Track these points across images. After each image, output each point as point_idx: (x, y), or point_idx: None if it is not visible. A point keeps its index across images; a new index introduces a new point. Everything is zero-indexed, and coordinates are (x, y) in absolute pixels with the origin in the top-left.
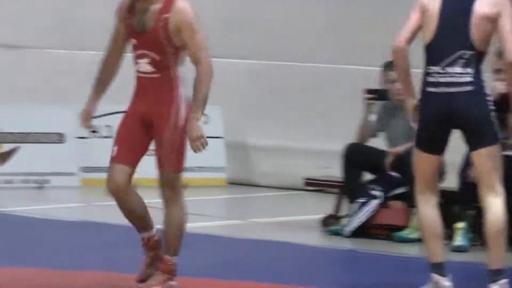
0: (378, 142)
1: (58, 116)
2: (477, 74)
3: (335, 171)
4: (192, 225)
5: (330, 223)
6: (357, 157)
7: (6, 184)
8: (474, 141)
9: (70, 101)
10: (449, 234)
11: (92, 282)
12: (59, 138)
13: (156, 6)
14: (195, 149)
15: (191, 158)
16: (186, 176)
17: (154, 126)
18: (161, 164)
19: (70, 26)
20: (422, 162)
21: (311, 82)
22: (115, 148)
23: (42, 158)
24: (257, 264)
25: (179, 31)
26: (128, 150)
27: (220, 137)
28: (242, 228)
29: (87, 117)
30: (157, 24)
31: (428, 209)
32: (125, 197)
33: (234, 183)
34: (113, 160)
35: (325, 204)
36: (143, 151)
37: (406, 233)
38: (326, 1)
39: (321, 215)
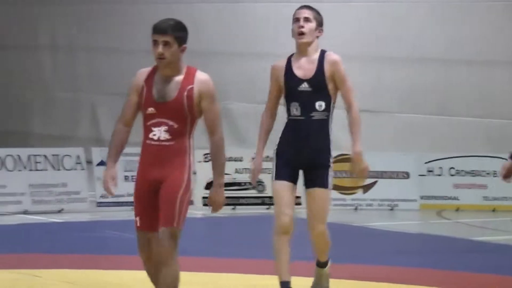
0: None
1: (406, 161)
2: None
3: None
4: (500, 238)
5: None
6: None
7: (367, 206)
8: None
9: (411, 150)
10: None
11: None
12: (405, 175)
13: (178, 77)
14: (215, 210)
15: (504, 191)
16: (496, 203)
17: (163, 188)
18: (165, 221)
19: None
20: None
21: None
22: (137, 219)
23: (393, 189)
24: None
25: (201, 100)
26: (149, 219)
27: None
28: None
29: None
30: (180, 94)
31: None
32: (151, 260)
33: None
34: (139, 229)
35: None
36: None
37: None
38: None
39: None
